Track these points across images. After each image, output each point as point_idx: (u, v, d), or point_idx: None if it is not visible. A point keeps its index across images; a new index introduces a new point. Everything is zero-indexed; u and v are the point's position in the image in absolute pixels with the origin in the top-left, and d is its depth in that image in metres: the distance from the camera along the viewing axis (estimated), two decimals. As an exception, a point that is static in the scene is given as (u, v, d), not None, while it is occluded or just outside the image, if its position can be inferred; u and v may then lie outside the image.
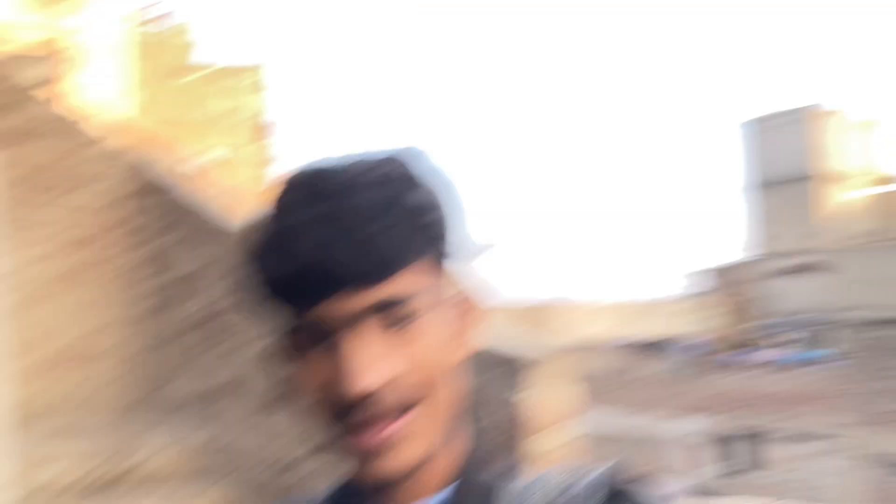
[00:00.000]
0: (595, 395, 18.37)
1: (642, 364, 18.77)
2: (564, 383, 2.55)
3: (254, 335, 4.05)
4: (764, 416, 16.76)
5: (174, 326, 5.01)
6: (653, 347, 18.83)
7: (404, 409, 0.68)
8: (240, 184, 10.68)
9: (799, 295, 25.79)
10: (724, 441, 17.29)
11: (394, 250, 0.66)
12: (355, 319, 0.67)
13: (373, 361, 0.67)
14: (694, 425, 17.81)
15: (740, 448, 17.14)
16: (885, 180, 32.08)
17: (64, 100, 5.40)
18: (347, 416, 0.67)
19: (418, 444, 0.70)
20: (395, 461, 0.69)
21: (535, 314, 20.17)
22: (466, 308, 0.77)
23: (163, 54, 10.73)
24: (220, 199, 4.89)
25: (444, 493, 0.74)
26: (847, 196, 30.16)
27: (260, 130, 12.16)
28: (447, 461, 0.75)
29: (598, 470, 0.73)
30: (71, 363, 5.27)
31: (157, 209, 5.20)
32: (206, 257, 4.45)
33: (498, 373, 2.44)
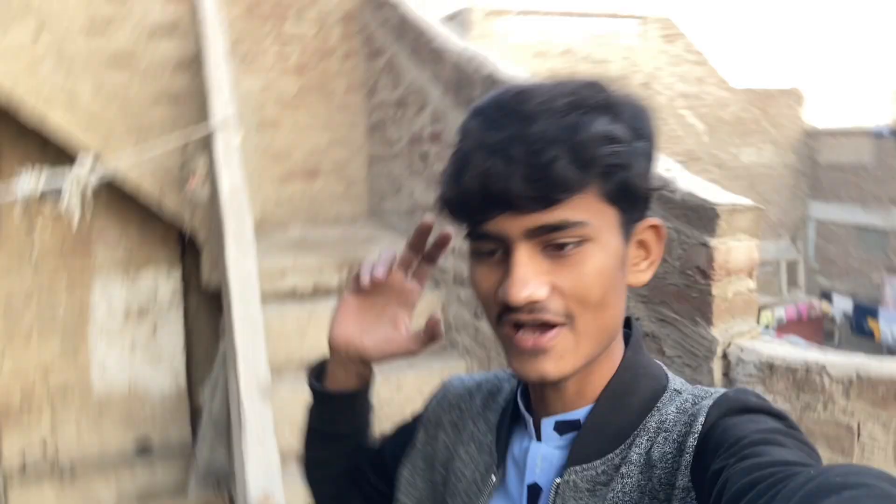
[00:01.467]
0: (850, 187, 17.04)
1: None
2: (750, 236, 2.48)
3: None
4: None
5: (396, 143, 5.26)
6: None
7: (559, 323, 0.76)
8: None
9: None
10: None
11: (562, 179, 0.71)
12: (524, 237, 0.75)
13: (534, 276, 0.74)
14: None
15: None
16: None
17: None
18: (509, 317, 0.77)
19: (568, 357, 0.77)
20: (545, 366, 0.77)
21: (786, 97, 18.49)
22: (644, 240, 0.83)
23: None
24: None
25: (588, 408, 0.83)
26: None
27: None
28: (601, 376, 0.83)
29: (708, 400, 0.76)
30: (302, 179, 5.80)
31: (386, 24, 5.26)
32: (430, 76, 4.52)
33: (692, 217, 2.43)
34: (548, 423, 0.85)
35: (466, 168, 0.74)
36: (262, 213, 5.35)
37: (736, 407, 0.72)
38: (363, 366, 1.00)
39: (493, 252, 0.78)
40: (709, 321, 2.39)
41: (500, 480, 0.88)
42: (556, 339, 0.76)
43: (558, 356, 0.77)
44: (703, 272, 2.41)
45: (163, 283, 5.46)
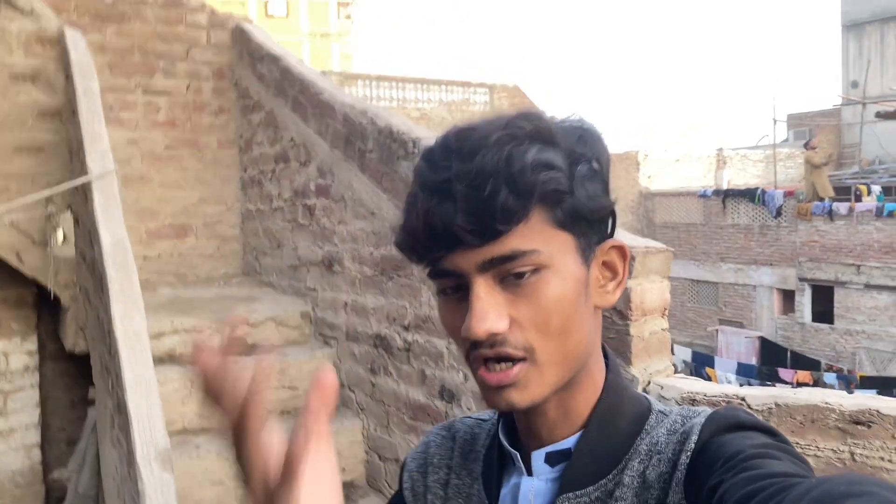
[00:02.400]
0: (682, 244, 18.38)
1: (729, 212, 18.46)
2: (662, 277, 2.59)
3: (349, 215, 4.16)
4: (843, 266, 16.50)
5: (276, 198, 5.13)
6: (741, 196, 18.43)
7: (520, 358, 0.75)
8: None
9: (894, 143, 24.50)
10: (800, 290, 17.17)
11: (503, 210, 0.71)
12: (479, 271, 0.75)
13: (492, 308, 0.74)
14: (773, 276, 17.68)
15: (818, 296, 17.03)
16: None
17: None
18: (476, 353, 0.76)
19: (533, 386, 0.76)
20: (512, 397, 0.76)
21: (624, 161, 19.86)
22: (608, 262, 0.82)
23: None
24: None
25: (577, 436, 0.81)
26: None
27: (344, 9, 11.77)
28: (584, 399, 0.82)
29: (699, 418, 0.76)
30: (171, 237, 5.52)
31: (264, 78, 5.17)
32: (316, 129, 4.46)
33: None
34: (538, 456, 0.84)
35: (413, 209, 0.76)
36: (132, 272, 5.02)
37: (729, 424, 0.73)
38: None
39: (455, 289, 0.78)
40: (628, 360, 2.47)
41: None
42: (517, 373, 0.76)
43: (523, 387, 0.77)
44: (620, 313, 2.49)
45: (15, 352, 4.97)
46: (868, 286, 16.48)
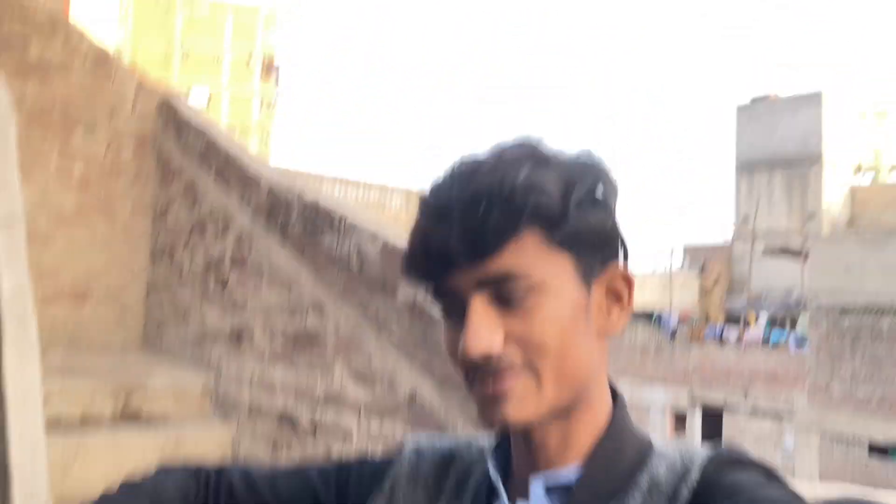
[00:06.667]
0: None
1: (627, 333, 19.04)
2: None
3: (264, 287, 4.10)
4: (732, 390, 17.13)
5: (187, 269, 5.00)
6: (637, 318, 19.07)
7: (517, 371, 0.75)
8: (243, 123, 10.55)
9: (781, 276, 26.12)
10: (692, 412, 17.66)
11: (493, 229, 0.74)
12: (474, 290, 0.76)
13: (487, 327, 0.75)
14: (666, 395, 18.16)
15: (708, 419, 17.53)
16: (878, 171, 32.28)
17: (84, 31, 5.29)
18: (471, 371, 0.77)
19: (529, 400, 0.76)
20: (506, 410, 0.76)
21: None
22: (613, 287, 0.82)
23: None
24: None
25: (579, 466, 0.80)
26: (840, 184, 30.31)
27: (266, 71, 11.97)
28: (586, 431, 0.81)
29: (700, 454, 0.76)
30: (69, 302, 5.28)
31: (188, 149, 5.12)
32: (238, 200, 4.42)
33: None
34: (537, 485, 0.82)
35: (415, 232, 0.80)
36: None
37: (731, 460, 0.75)
38: None
39: (456, 311, 0.79)
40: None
41: None
42: (515, 382, 0.76)
43: (518, 400, 0.76)
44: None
45: None
46: (754, 412, 17.11)
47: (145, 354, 5.20)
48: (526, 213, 0.75)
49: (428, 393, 2.98)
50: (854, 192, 30.72)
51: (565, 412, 0.79)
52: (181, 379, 4.47)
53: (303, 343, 3.72)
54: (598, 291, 0.81)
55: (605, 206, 0.80)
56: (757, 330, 21.13)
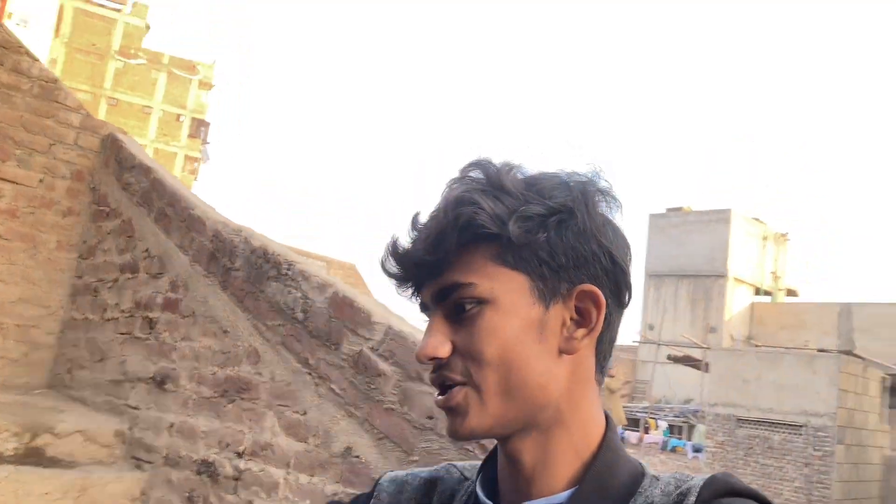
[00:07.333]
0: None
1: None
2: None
3: (194, 334, 3.99)
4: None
5: (111, 309, 4.82)
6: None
7: (460, 382, 0.81)
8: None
9: (681, 384, 26.91)
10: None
11: (442, 244, 0.81)
12: (434, 302, 0.84)
13: (437, 335, 0.82)
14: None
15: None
16: (776, 292, 34.10)
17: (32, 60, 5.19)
18: (436, 384, 0.84)
19: (473, 414, 0.80)
20: (454, 423, 0.81)
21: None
22: (581, 307, 0.83)
23: (113, 31, 10.44)
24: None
25: (569, 493, 0.81)
26: (740, 299, 31.80)
27: (198, 128, 11.90)
28: (574, 455, 0.82)
29: (696, 480, 0.79)
30: (-18, 329, 5.00)
31: (129, 187, 5.00)
32: (178, 243, 4.32)
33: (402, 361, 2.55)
34: None
35: (395, 254, 0.87)
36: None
37: (728, 489, 0.77)
38: None
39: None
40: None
41: None
42: (457, 398, 0.81)
43: (463, 414, 0.81)
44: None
45: None
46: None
47: (53, 394, 4.93)
48: (471, 232, 0.80)
49: (365, 449, 2.94)
50: (754, 309, 32.24)
51: (528, 429, 0.81)
52: (92, 421, 4.25)
53: (234, 391, 3.62)
54: (559, 311, 0.82)
55: (582, 232, 0.82)
56: (657, 434, 21.60)
